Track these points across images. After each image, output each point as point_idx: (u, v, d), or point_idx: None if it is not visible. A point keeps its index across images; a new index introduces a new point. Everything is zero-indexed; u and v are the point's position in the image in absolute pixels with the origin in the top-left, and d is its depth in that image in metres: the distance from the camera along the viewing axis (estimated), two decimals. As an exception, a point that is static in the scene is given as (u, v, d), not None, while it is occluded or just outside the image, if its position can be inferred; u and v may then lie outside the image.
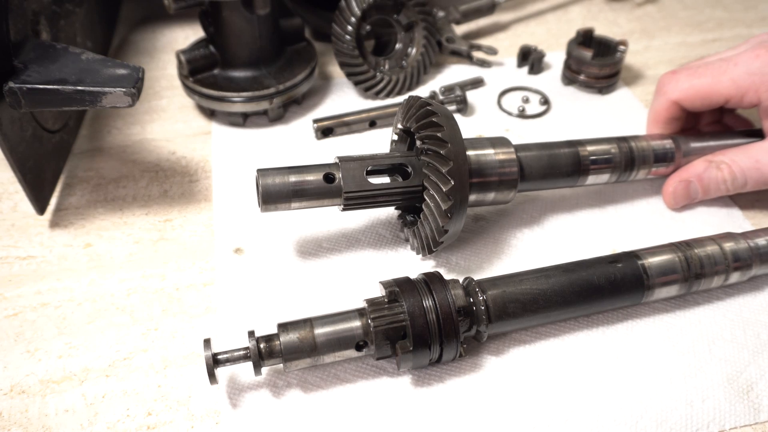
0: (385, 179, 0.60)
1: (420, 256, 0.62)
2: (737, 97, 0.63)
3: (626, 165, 0.65)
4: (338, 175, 0.55)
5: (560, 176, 0.63)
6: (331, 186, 0.55)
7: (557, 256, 0.62)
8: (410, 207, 0.61)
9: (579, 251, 0.62)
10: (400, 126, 0.60)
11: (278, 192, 0.54)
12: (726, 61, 0.64)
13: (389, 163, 0.57)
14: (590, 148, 0.63)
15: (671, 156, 0.66)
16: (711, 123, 0.73)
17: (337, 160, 0.56)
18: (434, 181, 0.54)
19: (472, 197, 0.59)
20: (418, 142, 0.57)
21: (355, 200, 0.56)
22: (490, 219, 0.66)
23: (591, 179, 0.64)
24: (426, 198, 0.55)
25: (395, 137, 0.62)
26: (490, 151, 0.59)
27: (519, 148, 0.62)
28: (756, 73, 0.62)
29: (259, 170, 0.54)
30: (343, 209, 0.57)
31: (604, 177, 0.64)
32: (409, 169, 0.57)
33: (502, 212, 0.67)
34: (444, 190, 0.53)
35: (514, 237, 0.65)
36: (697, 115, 0.72)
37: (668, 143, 0.67)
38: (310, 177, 0.55)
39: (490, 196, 0.60)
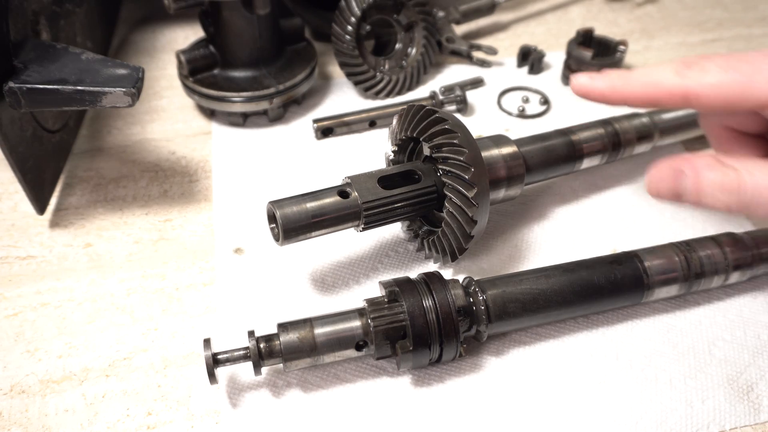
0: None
1: (438, 264, 0.61)
2: None
3: (614, 145, 0.67)
4: (352, 191, 0.54)
5: (559, 164, 0.65)
6: (348, 202, 0.53)
7: (557, 256, 0.62)
8: (421, 217, 0.61)
9: (579, 251, 0.62)
10: (401, 136, 0.59)
11: (297, 221, 0.52)
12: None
13: (397, 171, 0.57)
14: (581, 134, 0.66)
15: (650, 131, 0.69)
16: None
17: (347, 179, 0.55)
18: (456, 187, 0.53)
19: None
20: (428, 150, 0.56)
21: (374, 211, 0.54)
22: (490, 219, 0.66)
23: (586, 162, 0.66)
24: (448, 206, 0.54)
25: (394, 148, 0.61)
26: (495, 150, 0.60)
27: (518, 143, 0.62)
28: None
29: (272, 202, 0.52)
30: (364, 227, 0.55)
31: (596, 159, 0.67)
32: (419, 174, 0.56)
33: (501, 213, 0.67)
34: (469, 196, 0.52)
35: (513, 237, 0.65)
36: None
37: (645, 119, 0.69)
38: (326, 199, 0.53)
39: (501, 194, 0.61)
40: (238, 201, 0.68)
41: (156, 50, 0.93)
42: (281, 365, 0.49)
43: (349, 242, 0.63)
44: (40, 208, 0.64)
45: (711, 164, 0.47)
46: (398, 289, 0.50)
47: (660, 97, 0.50)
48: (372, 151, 0.75)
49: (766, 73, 0.46)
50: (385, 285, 0.52)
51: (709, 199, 0.48)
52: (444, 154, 0.54)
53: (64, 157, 0.72)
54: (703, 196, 0.48)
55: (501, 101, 0.84)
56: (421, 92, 0.85)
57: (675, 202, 0.50)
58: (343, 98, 0.83)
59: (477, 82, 0.85)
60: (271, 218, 0.53)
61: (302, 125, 0.79)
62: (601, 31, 0.90)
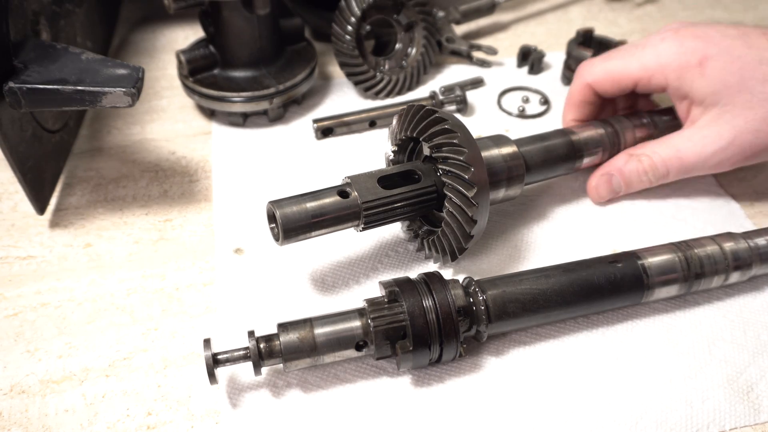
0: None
1: (438, 264, 0.61)
2: (645, 78, 0.64)
3: (614, 145, 0.68)
4: (352, 191, 0.53)
5: (559, 164, 0.65)
6: (348, 202, 0.53)
7: (557, 256, 0.62)
8: (421, 217, 0.61)
9: (579, 251, 0.62)
10: (401, 136, 0.59)
11: (297, 220, 0.51)
12: (635, 45, 0.66)
13: (397, 171, 0.57)
14: (581, 134, 0.66)
15: (650, 131, 0.70)
16: (625, 108, 0.74)
17: (347, 179, 0.55)
18: (456, 187, 0.53)
19: None
20: (428, 150, 0.56)
21: (374, 211, 0.54)
22: (490, 219, 0.66)
23: (586, 162, 0.67)
24: (448, 206, 0.54)
25: (394, 148, 0.61)
26: (495, 150, 0.60)
27: (518, 143, 0.62)
28: (662, 55, 0.63)
29: (272, 202, 0.52)
30: (363, 227, 0.55)
31: (596, 159, 0.68)
32: (419, 174, 0.56)
33: (501, 213, 0.67)
34: (469, 196, 0.52)
35: (513, 237, 0.65)
36: (613, 101, 0.73)
37: (645, 119, 0.70)
38: (326, 199, 0.53)
39: (501, 193, 0.61)
40: (238, 201, 0.68)
41: (156, 50, 0.93)
42: (281, 365, 0.49)
43: (349, 242, 0.63)
44: (40, 208, 0.64)
45: (627, 159, 0.65)
46: (398, 289, 0.50)
47: (579, 98, 0.70)
48: (372, 151, 0.75)
49: (636, 58, 0.64)
50: (385, 285, 0.52)
51: (636, 185, 0.65)
52: (444, 154, 0.54)
53: (64, 157, 0.72)
54: (632, 185, 0.65)
55: (501, 101, 0.84)
56: (421, 92, 0.85)
57: (614, 198, 0.68)
58: (343, 98, 0.83)
59: (477, 82, 0.85)
60: (271, 218, 0.53)
61: (302, 125, 0.79)
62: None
